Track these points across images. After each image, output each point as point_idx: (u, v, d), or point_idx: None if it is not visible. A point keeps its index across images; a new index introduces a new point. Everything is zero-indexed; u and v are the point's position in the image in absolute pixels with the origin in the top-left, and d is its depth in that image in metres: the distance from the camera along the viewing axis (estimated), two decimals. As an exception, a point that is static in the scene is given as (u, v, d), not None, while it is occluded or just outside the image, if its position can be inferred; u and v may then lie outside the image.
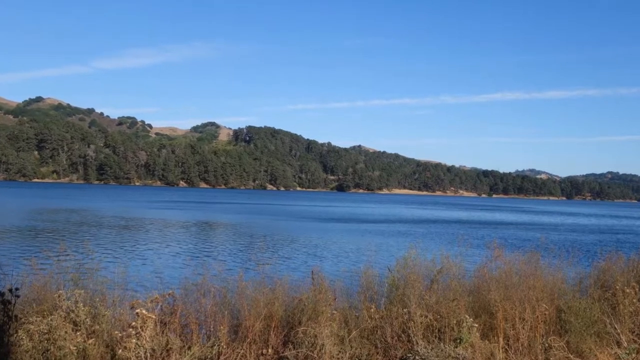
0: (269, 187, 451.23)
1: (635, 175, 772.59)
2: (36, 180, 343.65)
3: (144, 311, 11.78)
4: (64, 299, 12.05)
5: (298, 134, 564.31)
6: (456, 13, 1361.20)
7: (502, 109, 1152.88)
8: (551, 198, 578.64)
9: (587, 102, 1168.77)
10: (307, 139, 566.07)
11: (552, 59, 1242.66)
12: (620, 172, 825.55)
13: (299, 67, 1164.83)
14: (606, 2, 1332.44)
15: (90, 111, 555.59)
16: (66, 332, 11.49)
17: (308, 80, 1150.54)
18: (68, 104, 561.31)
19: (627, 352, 13.90)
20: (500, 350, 13.27)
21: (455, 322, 13.29)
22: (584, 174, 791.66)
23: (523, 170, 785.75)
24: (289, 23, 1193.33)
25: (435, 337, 13.15)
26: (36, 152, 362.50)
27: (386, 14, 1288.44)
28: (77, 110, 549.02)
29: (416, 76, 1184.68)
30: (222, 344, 12.17)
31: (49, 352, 11.16)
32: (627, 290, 15.18)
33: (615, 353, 13.91)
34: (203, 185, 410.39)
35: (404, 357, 12.82)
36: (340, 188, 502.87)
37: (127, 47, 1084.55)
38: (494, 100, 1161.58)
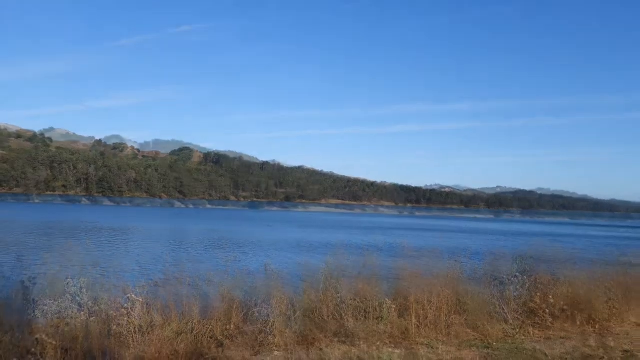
0: (232, 198, 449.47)
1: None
2: (49, 192, 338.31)
3: (133, 295, 11.80)
4: (71, 286, 12.02)
5: (254, 156, 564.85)
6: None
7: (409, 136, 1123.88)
8: (453, 207, 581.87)
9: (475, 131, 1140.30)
10: (262, 161, 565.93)
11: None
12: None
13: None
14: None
15: (92, 138, 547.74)
16: (72, 312, 11.46)
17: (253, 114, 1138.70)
18: (74, 133, 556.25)
19: (513, 327, 14.22)
20: (413, 326, 13.42)
21: (377, 304, 13.44)
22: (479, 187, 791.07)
23: (431, 185, 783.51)
24: (228, 68, 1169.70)
25: (362, 316, 13.26)
26: (49, 171, 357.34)
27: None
28: (81, 138, 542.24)
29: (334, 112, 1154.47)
30: (195, 321, 12.19)
31: (59, 328, 11.12)
32: (512, 279, 15.50)
33: (504, 328, 14.18)
34: (179, 196, 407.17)
35: (338, 331, 12.92)
36: (288, 199, 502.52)
37: (112, 90, 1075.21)
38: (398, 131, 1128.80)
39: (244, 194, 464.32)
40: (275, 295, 12.81)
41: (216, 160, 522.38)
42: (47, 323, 11.31)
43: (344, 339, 12.71)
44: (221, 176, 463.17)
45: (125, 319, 11.39)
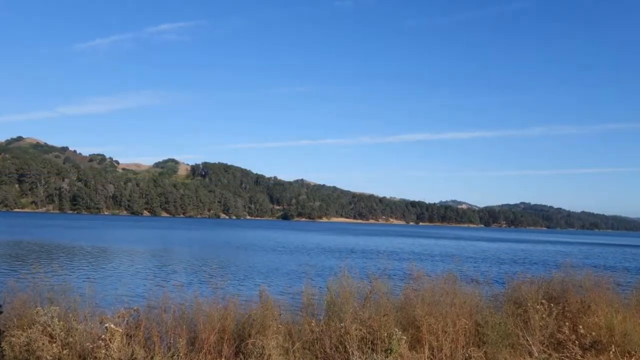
0: (222, 215, 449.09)
1: (544, 205, 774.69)
2: (17, 209, 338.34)
3: (112, 325, 11.73)
4: (41, 315, 11.97)
5: (248, 169, 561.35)
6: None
7: (417, 146, 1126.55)
8: (471, 226, 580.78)
9: (493, 141, 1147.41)
10: (256, 174, 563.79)
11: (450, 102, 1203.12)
12: (532, 203, 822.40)
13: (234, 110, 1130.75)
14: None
15: (65, 149, 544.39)
16: (43, 344, 11.41)
17: (245, 121, 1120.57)
18: (45, 143, 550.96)
19: (538, 361, 14.09)
20: None
21: (386, 334, 13.26)
22: (500, 204, 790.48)
23: (446, 201, 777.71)
24: (216, 71, 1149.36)
25: (369, 348, 13.15)
26: (17, 185, 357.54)
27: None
28: (52, 149, 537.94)
29: (331, 119, 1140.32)
30: (181, 354, 12.11)
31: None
32: (538, 307, 15.28)
33: (528, 362, 14.06)
34: (164, 214, 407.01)
35: (341, 365, 12.83)
36: (285, 217, 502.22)
37: (86, 95, 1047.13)
38: (406, 140, 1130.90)
39: (236, 210, 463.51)
40: (272, 324, 12.74)
41: (204, 172, 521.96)
42: (15, 356, 11.43)
43: (348, 374, 12.62)
44: (210, 191, 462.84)
45: (103, 351, 11.32)
